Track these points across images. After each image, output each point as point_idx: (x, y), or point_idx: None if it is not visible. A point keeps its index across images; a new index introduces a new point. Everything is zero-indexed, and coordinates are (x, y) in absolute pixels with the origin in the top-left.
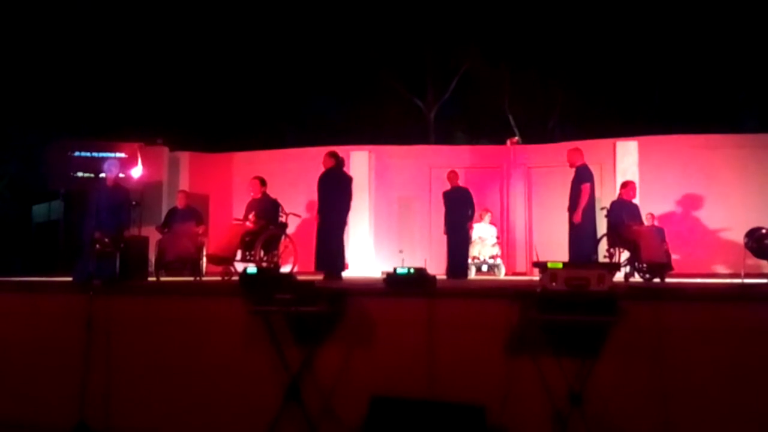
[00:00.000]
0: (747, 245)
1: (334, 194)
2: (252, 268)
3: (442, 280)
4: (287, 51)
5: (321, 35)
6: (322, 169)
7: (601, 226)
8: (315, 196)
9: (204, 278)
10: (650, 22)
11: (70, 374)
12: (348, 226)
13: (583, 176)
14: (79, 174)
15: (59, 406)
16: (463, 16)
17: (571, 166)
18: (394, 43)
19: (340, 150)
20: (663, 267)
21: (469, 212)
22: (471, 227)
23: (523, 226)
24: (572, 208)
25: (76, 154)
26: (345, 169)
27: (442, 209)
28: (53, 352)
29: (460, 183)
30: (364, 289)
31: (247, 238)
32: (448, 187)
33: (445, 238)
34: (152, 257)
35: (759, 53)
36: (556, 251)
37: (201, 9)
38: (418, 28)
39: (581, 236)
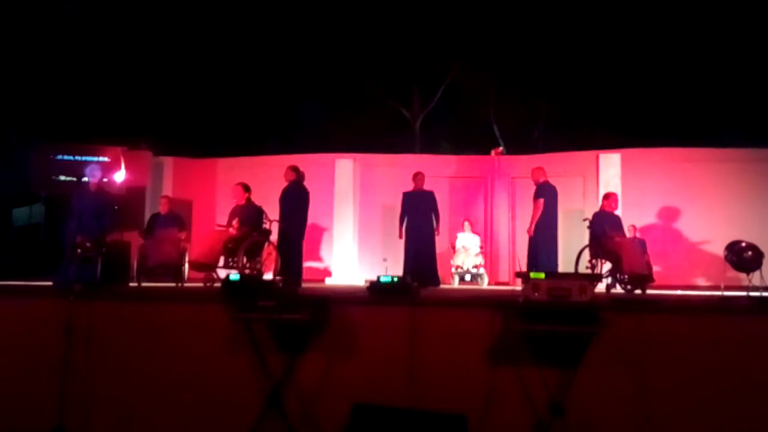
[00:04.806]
0: (727, 258)
1: (296, 207)
2: (235, 275)
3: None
4: (273, 58)
5: (307, 42)
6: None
7: (584, 238)
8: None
9: (186, 284)
10: (635, 36)
11: (49, 379)
12: (332, 234)
13: (539, 193)
14: (62, 178)
15: (37, 411)
16: (449, 25)
17: (535, 183)
18: (380, 51)
19: (325, 157)
20: (644, 278)
21: (434, 218)
22: (438, 232)
23: (507, 236)
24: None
25: (59, 157)
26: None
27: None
28: (32, 357)
29: (425, 187)
30: (347, 297)
31: (230, 245)
32: (425, 190)
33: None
34: (134, 262)
35: (741, 69)
36: None
37: (187, 14)
38: (404, 37)
39: (536, 247)
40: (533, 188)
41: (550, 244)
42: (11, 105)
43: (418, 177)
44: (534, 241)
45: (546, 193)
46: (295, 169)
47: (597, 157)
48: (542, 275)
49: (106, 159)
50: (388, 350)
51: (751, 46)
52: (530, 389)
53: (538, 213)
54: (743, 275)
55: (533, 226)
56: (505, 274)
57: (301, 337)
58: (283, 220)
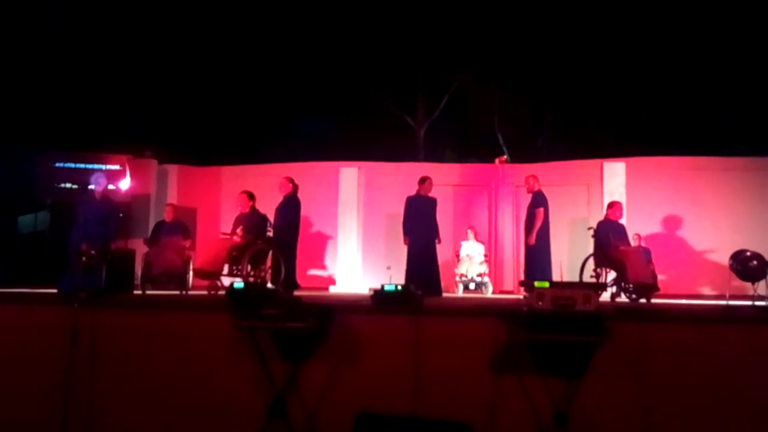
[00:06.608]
0: (732, 267)
1: (292, 218)
2: (239, 283)
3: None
4: (277, 66)
5: (312, 50)
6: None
7: (588, 246)
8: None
9: (190, 292)
10: (639, 45)
11: (54, 386)
12: (336, 242)
13: (537, 201)
14: (67, 185)
15: (41, 417)
16: (454, 34)
17: (529, 191)
18: (385, 59)
19: (329, 165)
20: (649, 288)
21: (434, 226)
22: (440, 242)
23: (511, 245)
24: (527, 231)
25: (64, 165)
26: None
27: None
28: (37, 364)
29: (431, 194)
30: (351, 305)
31: (234, 253)
32: (428, 197)
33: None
34: (139, 270)
35: (746, 76)
36: None
37: (191, 22)
38: (409, 45)
39: (535, 256)
40: (528, 197)
41: (546, 252)
42: (17, 113)
43: (423, 182)
44: (532, 249)
45: (544, 202)
46: (292, 180)
47: (601, 166)
48: (546, 284)
49: (111, 167)
50: (391, 359)
51: (755, 53)
52: (534, 399)
53: (540, 221)
54: (748, 284)
55: (535, 235)
56: (509, 283)
57: (304, 345)
58: (282, 231)
